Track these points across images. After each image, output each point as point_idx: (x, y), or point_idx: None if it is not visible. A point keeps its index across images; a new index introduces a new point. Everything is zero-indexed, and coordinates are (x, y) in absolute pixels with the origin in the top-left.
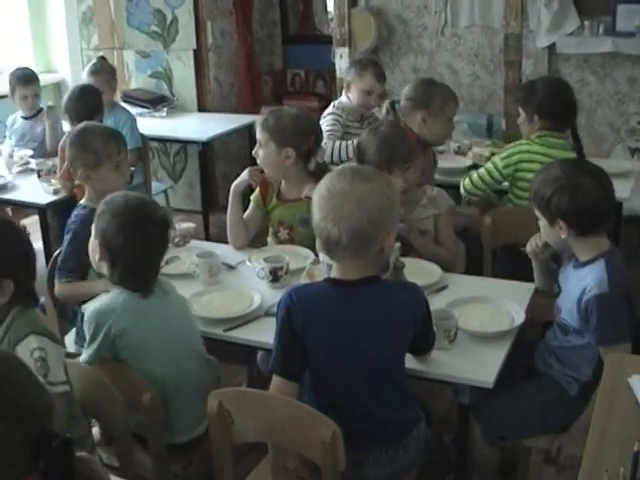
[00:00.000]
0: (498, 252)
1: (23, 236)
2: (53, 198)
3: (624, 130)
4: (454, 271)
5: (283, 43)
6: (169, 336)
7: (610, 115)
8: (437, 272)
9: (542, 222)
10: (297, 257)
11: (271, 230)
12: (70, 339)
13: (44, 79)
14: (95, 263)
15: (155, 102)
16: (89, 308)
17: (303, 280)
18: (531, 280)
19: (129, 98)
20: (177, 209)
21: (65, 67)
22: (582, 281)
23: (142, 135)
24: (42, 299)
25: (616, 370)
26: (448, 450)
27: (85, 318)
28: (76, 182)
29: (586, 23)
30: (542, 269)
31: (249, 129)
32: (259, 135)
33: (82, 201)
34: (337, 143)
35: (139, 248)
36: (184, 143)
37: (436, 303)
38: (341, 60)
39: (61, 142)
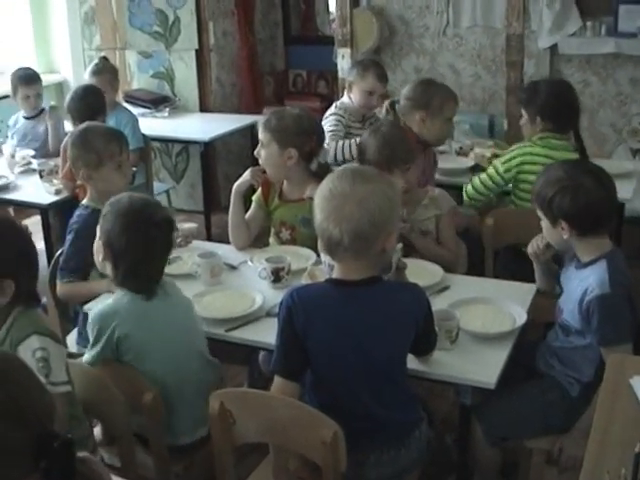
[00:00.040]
0: (500, 253)
1: (25, 236)
2: (55, 198)
3: (626, 131)
4: (456, 272)
5: (285, 43)
6: (172, 339)
7: (612, 116)
8: (439, 273)
9: (544, 223)
10: (299, 257)
11: (273, 230)
12: (72, 339)
13: (46, 79)
14: (99, 264)
15: (157, 102)
16: (93, 310)
17: (305, 280)
18: (533, 281)
19: (131, 98)
20: (179, 209)
21: (67, 67)
22: (584, 282)
23: (144, 135)
24: (44, 299)
25: (618, 371)
26: (450, 451)
27: (89, 320)
28: (78, 182)
29: (588, 24)
30: (543, 270)
31: (251, 129)
32: (261, 135)
33: (84, 201)
34: (340, 143)
35: (142, 249)
36: (186, 143)
37: (438, 304)
38: (343, 60)
39: (63, 142)
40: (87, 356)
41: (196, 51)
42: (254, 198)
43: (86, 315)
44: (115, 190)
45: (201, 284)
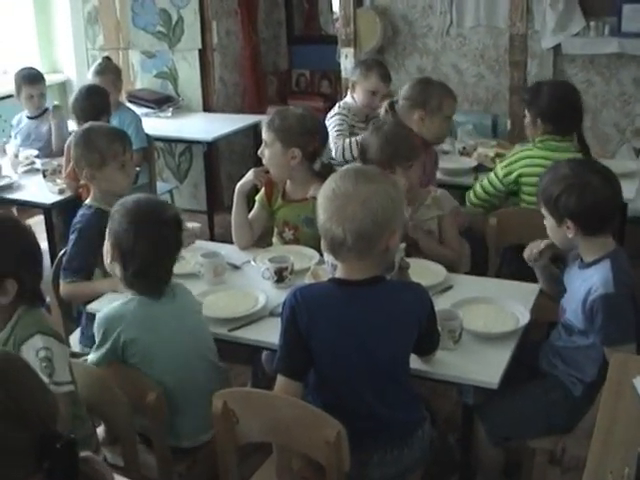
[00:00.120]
0: (503, 252)
1: (28, 235)
2: (58, 198)
3: (629, 131)
4: (459, 271)
5: (288, 43)
6: (178, 343)
7: (615, 116)
8: (442, 272)
9: (548, 221)
10: (302, 257)
11: (276, 230)
12: (75, 339)
13: (49, 79)
14: (108, 266)
15: (160, 102)
16: (100, 311)
17: (308, 280)
18: (536, 280)
19: (134, 98)
20: (182, 209)
21: (70, 67)
22: (587, 281)
23: (147, 135)
24: (47, 299)
25: (621, 371)
26: (452, 450)
27: (96, 321)
28: (81, 182)
29: (592, 24)
30: (545, 275)
31: (254, 129)
32: (265, 135)
33: (87, 201)
34: (347, 141)
35: (150, 248)
36: (189, 143)
37: (441, 303)
38: (346, 60)
39: (67, 142)
40: (92, 356)
41: (199, 51)
42: (257, 198)
43: (89, 315)
44: (118, 190)
45: (204, 284)
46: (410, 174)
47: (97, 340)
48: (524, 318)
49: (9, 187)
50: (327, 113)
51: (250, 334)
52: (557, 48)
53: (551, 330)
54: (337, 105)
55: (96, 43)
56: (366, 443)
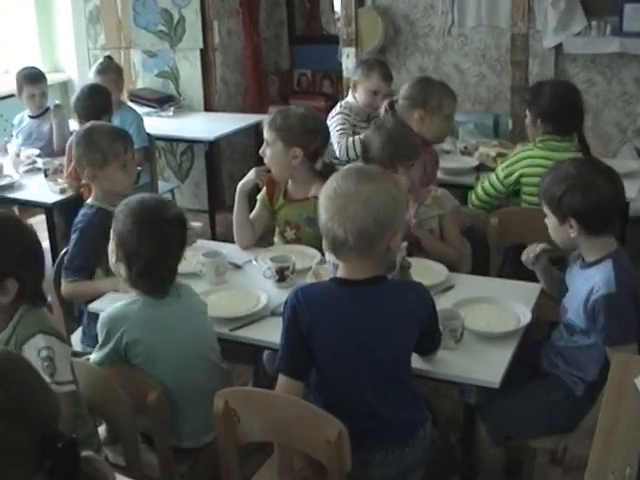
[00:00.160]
0: (504, 252)
1: (29, 235)
2: (60, 197)
3: (631, 130)
4: (460, 271)
5: (290, 43)
6: (179, 344)
7: (617, 115)
8: (443, 272)
9: (550, 221)
10: (303, 257)
11: (278, 230)
12: (76, 338)
13: (51, 78)
14: (113, 266)
15: (162, 102)
16: (103, 311)
17: (309, 280)
18: (537, 280)
19: (136, 98)
20: (183, 209)
21: (72, 66)
22: (589, 281)
23: (149, 134)
24: (49, 298)
25: (623, 371)
26: (454, 450)
27: (99, 321)
28: (83, 181)
29: (593, 23)
30: (546, 276)
31: (255, 129)
32: (267, 134)
33: (89, 200)
34: (350, 139)
35: (155, 247)
36: (191, 142)
37: (442, 303)
38: (348, 60)
39: (68, 141)
40: (95, 356)
41: (201, 50)
42: (259, 197)
43: (91, 314)
44: (120, 189)
45: (206, 283)
46: (412, 173)
47: (100, 340)
48: (525, 318)
49: (10, 186)
50: (328, 113)
51: (251, 334)
52: (559, 48)
53: (553, 330)
54: (338, 105)
55: (97, 42)
56: (368, 443)
